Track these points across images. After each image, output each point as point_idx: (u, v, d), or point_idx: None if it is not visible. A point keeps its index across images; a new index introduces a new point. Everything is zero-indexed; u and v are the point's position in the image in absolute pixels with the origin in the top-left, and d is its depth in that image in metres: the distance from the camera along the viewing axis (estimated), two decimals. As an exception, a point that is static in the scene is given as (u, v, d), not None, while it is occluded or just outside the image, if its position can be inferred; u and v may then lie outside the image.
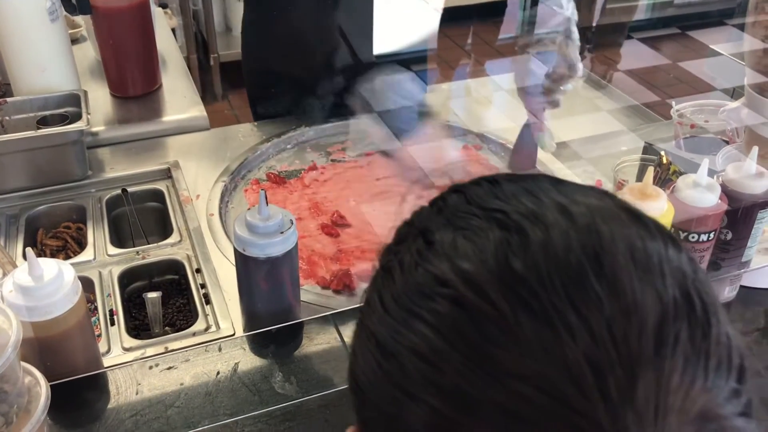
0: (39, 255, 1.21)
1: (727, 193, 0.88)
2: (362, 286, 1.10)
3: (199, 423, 0.82)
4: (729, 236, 0.90)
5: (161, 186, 1.31)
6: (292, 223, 0.92)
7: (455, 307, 0.34)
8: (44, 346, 0.82)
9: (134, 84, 1.50)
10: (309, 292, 1.08)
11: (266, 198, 0.90)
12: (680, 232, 0.87)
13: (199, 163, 1.36)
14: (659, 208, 0.84)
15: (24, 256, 1.14)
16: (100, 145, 1.40)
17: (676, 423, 0.31)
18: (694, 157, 1.22)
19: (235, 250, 0.92)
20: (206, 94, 3.21)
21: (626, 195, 0.85)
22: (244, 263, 0.92)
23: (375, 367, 0.37)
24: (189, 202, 1.24)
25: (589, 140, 1.69)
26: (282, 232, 0.90)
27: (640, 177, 1.26)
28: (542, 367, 0.31)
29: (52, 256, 1.21)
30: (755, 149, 0.87)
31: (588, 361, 0.31)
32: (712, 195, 0.85)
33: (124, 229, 1.29)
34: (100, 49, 1.45)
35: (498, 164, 1.42)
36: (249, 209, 0.92)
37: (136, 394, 0.86)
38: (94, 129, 1.41)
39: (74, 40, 1.62)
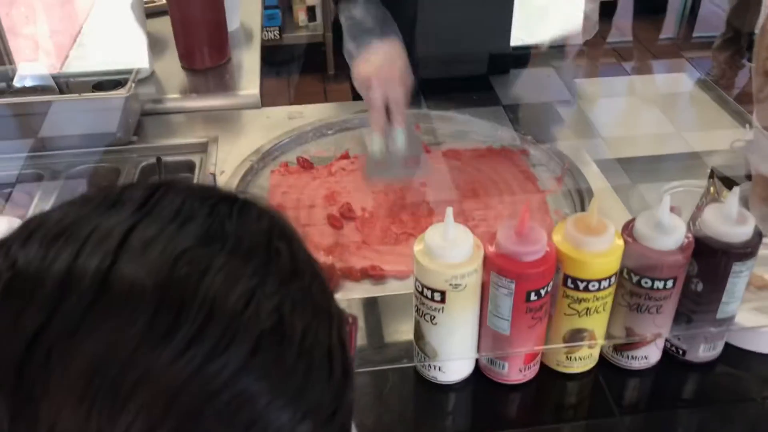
0: (73, 211, 1.30)
1: (700, 237, 0.76)
2: (346, 285, 1.07)
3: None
4: (700, 287, 0.78)
5: (195, 159, 1.35)
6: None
7: None
8: None
9: (201, 57, 1.55)
10: (288, 281, 1.07)
11: (216, 182, 0.90)
12: (632, 275, 0.76)
13: (237, 140, 1.38)
14: (602, 244, 0.74)
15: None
16: (157, 112, 1.47)
17: None
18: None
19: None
20: (339, 73, 3.26)
21: (569, 227, 0.75)
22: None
23: None
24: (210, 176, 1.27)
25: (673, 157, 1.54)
26: (228, 219, 0.90)
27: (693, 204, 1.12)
28: None
29: (84, 213, 1.29)
30: (737, 189, 0.74)
31: None
32: (670, 238, 0.74)
33: (155, 196, 1.35)
34: (171, 21, 1.51)
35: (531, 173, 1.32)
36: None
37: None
38: (155, 97, 1.48)
39: (161, 12, 1.70)
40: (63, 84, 1.39)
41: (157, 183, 0.38)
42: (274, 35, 3.25)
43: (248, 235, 0.36)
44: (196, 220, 0.35)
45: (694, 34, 3.35)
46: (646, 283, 0.76)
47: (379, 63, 1.13)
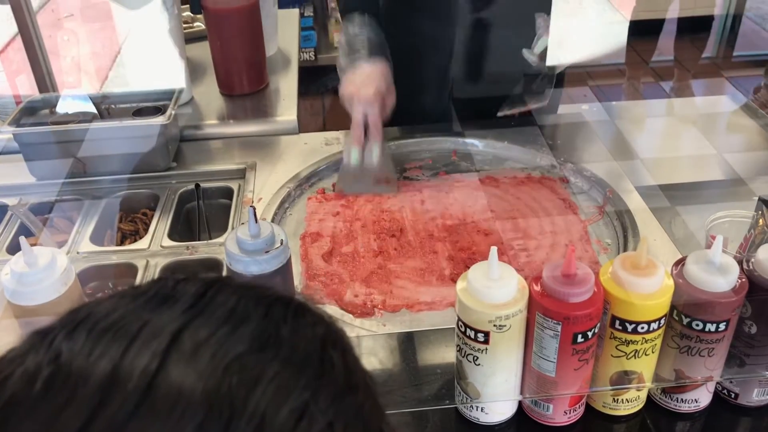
0: (112, 237, 1.31)
1: (753, 278, 0.74)
2: (384, 315, 1.06)
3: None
4: (753, 329, 0.75)
5: (234, 185, 1.35)
6: (282, 243, 0.90)
7: None
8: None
9: (239, 83, 1.56)
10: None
11: (255, 215, 0.89)
12: (683, 317, 0.74)
13: (275, 166, 1.38)
14: (652, 285, 0.72)
15: (91, 238, 1.24)
16: (195, 138, 1.48)
17: None
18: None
19: (226, 265, 0.92)
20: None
21: (617, 267, 0.73)
22: (231, 278, 0.92)
23: None
24: (248, 203, 1.27)
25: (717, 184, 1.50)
26: (267, 251, 0.89)
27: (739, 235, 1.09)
28: None
29: (123, 239, 1.29)
30: (794, 231, 0.72)
31: None
32: (723, 279, 0.71)
33: (194, 223, 1.35)
34: (210, 47, 1.52)
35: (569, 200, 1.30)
36: (242, 224, 0.91)
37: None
38: (194, 123, 1.49)
39: (200, 38, 1.71)
40: (104, 110, 1.40)
41: (211, 279, 0.37)
42: (310, 56, 3.26)
43: (303, 343, 0.34)
44: (250, 323, 0.34)
45: (735, 53, 3.29)
46: (697, 325, 0.74)
47: (361, 83, 1.25)
